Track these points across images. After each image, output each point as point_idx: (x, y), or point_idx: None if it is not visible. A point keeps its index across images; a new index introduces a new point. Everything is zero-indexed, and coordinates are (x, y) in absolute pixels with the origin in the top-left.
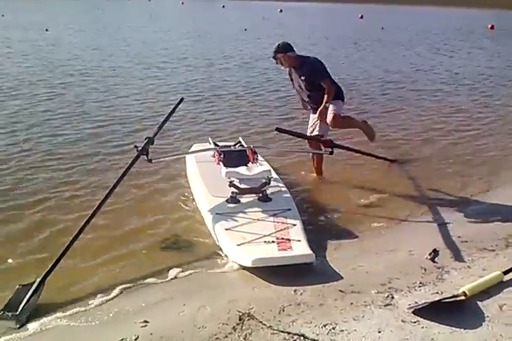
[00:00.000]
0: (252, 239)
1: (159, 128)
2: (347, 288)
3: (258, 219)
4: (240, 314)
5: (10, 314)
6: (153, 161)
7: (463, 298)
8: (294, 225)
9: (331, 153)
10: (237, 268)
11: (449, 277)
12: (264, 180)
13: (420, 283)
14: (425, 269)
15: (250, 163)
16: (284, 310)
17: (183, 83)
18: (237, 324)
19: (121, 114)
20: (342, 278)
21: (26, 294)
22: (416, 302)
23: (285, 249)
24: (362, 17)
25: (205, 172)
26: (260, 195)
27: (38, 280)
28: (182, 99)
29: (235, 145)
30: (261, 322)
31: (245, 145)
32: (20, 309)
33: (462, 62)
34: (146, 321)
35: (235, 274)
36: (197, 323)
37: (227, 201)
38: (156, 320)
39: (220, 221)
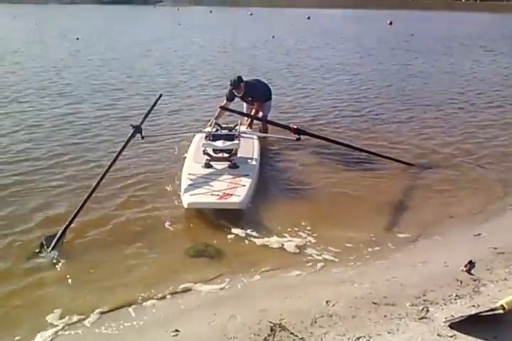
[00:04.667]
0: (204, 191)
1: (144, 118)
2: (380, 299)
3: (218, 180)
4: (272, 325)
5: (43, 251)
6: (144, 138)
7: (501, 311)
8: (244, 185)
9: (298, 139)
10: (268, 277)
11: (486, 290)
12: (232, 152)
13: (456, 295)
14: (461, 281)
15: (237, 140)
16: (316, 322)
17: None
18: (269, 335)
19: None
20: (375, 289)
21: (52, 241)
22: (452, 316)
23: (221, 198)
24: (391, 23)
25: (196, 148)
26: (229, 163)
27: (60, 231)
28: (161, 95)
29: (233, 127)
30: (292, 333)
31: (234, 131)
32: (50, 249)
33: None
34: (177, 330)
35: (266, 283)
36: (227, 333)
37: (202, 166)
38: (187, 329)
39: (189, 179)
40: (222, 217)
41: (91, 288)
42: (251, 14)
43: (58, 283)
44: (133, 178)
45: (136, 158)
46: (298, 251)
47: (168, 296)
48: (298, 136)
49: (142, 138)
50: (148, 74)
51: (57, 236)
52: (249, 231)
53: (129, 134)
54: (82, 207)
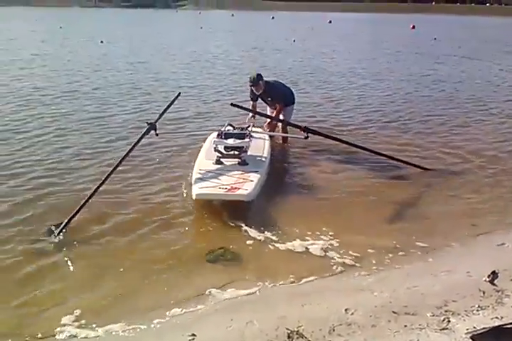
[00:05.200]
0: (213, 185)
1: (160, 116)
2: (401, 309)
3: (227, 175)
4: (289, 332)
5: (50, 235)
6: (158, 135)
7: None
8: (252, 181)
9: (306, 138)
10: (286, 283)
11: (510, 301)
12: (242, 149)
13: (478, 306)
14: (484, 292)
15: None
16: (334, 330)
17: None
18: None
19: None
20: (396, 298)
21: (57, 229)
22: (474, 327)
23: (229, 191)
24: (414, 27)
25: (209, 146)
26: (239, 159)
27: (66, 220)
28: (179, 94)
29: (246, 128)
30: None
31: (248, 130)
32: (55, 234)
33: None
34: (193, 334)
35: (283, 289)
36: (244, 339)
37: (213, 163)
38: (204, 333)
39: (199, 173)
40: (240, 220)
41: (108, 292)
42: (273, 18)
43: (75, 285)
44: (145, 178)
45: (151, 154)
46: (317, 256)
47: (184, 300)
48: (306, 135)
49: (156, 135)
50: (173, 78)
51: (62, 225)
52: (267, 235)
53: (144, 131)
54: (91, 196)
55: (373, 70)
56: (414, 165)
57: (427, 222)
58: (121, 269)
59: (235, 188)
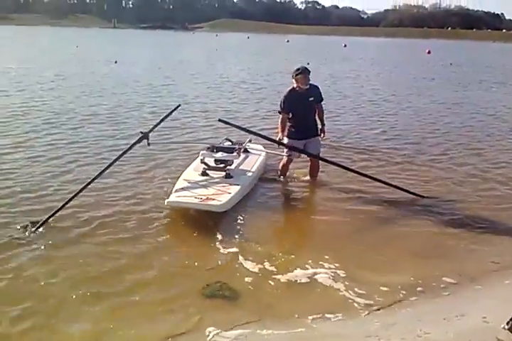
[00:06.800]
0: (190, 194)
1: (154, 126)
2: None
3: (208, 186)
4: None
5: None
6: (150, 145)
7: None
8: (229, 193)
9: (289, 155)
10: (284, 324)
11: None
12: (228, 163)
13: None
14: None
15: (236, 153)
16: None
17: None
18: None
19: None
20: None
21: (35, 226)
22: None
23: (203, 201)
24: (429, 52)
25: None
26: (224, 172)
27: (44, 218)
28: (179, 106)
29: (243, 142)
30: None
31: (244, 144)
32: (33, 230)
33: None
34: None
35: (282, 333)
36: None
37: (199, 174)
38: None
39: (182, 183)
40: (238, 252)
41: (93, 329)
42: (288, 41)
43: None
44: (130, 187)
45: (144, 166)
46: (318, 294)
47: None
48: (290, 153)
49: (148, 144)
50: (199, 101)
51: (39, 223)
52: (266, 267)
53: (136, 139)
54: (71, 198)
55: (394, 97)
56: (405, 191)
57: (438, 258)
58: (107, 301)
59: (210, 199)
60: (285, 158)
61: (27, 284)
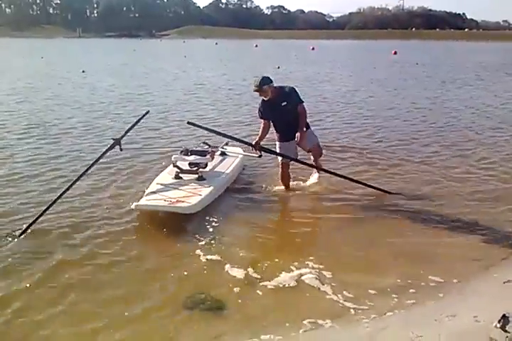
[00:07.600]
0: (160, 197)
1: (125, 132)
2: None
3: (179, 189)
4: None
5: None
6: (123, 150)
7: None
8: (200, 195)
9: (260, 156)
10: (272, 335)
11: None
12: (200, 165)
13: None
14: (495, 340)
15: (210, 156)
16: None
17: None
18: None
19: None
20: None
21: (19, 232)
22: None
23: (171, 203)
24: (396, 53)
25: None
26: (197, 175)
27: (25, 226)
28: (148, 112)
29: (222, 146)
30: None
31: (218, 147)
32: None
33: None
34: None
35: None
36: None
37: (172, 177)
38: None
39: (154, 187)
40: (220, 259)
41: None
42: (256, 46)
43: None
44: (107, 192)
45: (121, 170)
46: (306, 300)
47: None
48: (260, 153)
49: (121, 149)
50: (176, 109)
51: (22, 230)
52: (250, 273)
53: (108, 146)
54: (49, 206)
55: (374, 99)
56: (380, 190)
57: (424, 258)
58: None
59: (179, 201)
60: (280, 165)
61: None
